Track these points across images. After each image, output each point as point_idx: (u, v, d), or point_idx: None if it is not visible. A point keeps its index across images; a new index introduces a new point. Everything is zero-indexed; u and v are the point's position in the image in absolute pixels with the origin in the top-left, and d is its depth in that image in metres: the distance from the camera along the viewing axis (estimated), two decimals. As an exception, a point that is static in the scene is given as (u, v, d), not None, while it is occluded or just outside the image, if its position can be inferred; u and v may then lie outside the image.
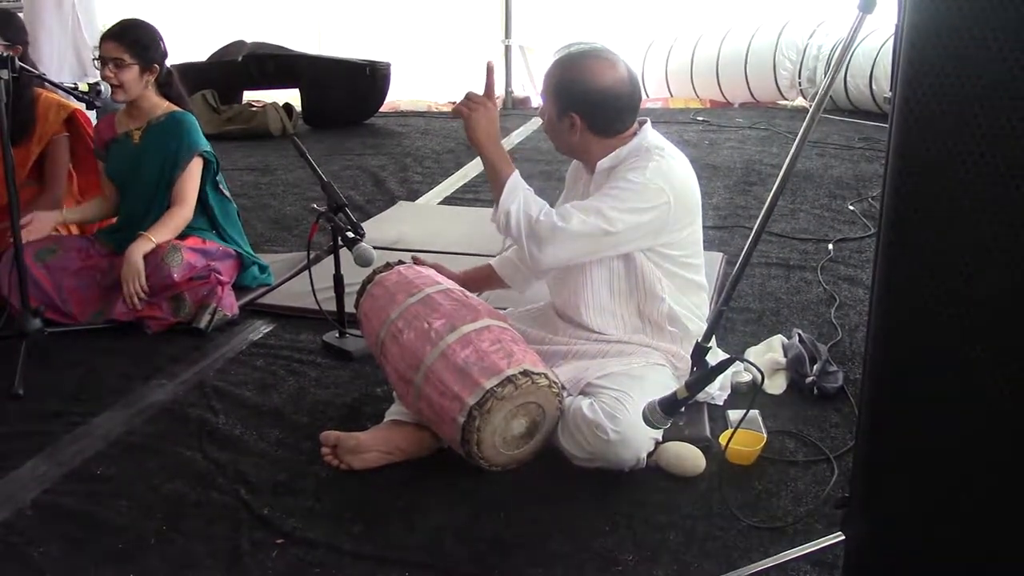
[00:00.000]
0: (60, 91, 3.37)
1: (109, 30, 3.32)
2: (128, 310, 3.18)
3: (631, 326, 2.49)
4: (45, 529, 2.14)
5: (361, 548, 2.04)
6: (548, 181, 5.19)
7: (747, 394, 2.64)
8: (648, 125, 2.47)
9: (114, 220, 3.60)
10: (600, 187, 2.43)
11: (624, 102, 2.41)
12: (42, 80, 3.34)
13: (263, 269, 3.64)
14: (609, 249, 2.38)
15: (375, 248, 2.89)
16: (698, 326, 2.46)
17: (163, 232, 3.27)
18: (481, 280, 2.79)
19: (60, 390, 2.82)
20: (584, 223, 2.31)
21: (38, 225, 3.34)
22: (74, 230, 3.72)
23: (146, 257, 3.18)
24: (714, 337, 1.93)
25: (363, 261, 2.81)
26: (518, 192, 2.37)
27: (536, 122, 7.06)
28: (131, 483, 2.32)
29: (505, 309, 2.74)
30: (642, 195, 2.32)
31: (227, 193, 3.58)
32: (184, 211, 3.35)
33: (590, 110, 2.39)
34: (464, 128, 2.41)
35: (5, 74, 2.84)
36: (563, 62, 2.43)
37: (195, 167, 3.38)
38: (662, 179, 2.33)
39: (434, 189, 5.30)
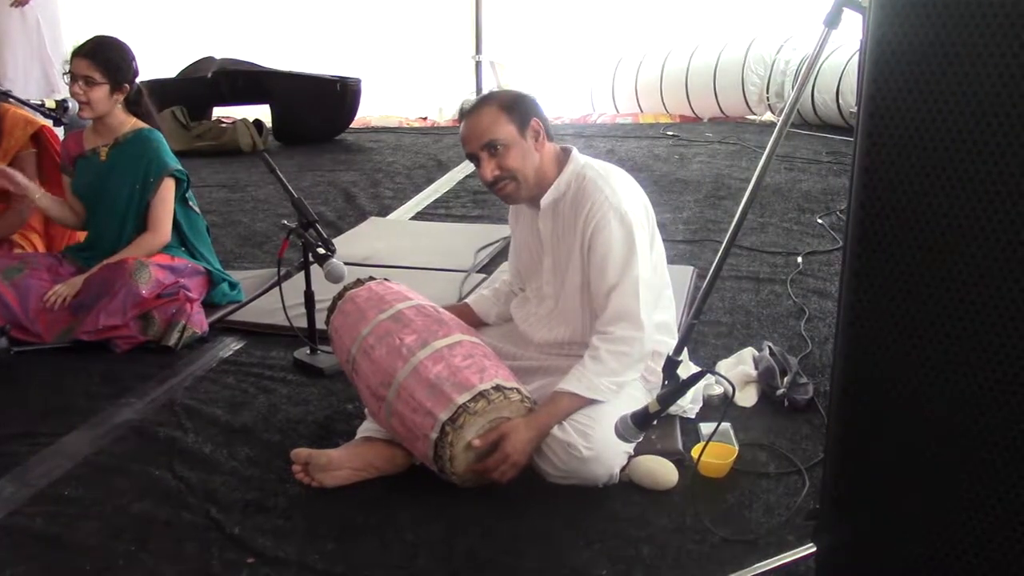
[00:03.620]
0: (27, 107, 3.34)
1: (81, 46, 3.28)
2: (57, 309, 3.18)
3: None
4: (13, 551, 2.11)
5: (333, 566, 2.03)
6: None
7: (719, 407, 2.65)
8: (575, 151, 2.46)
9: (82, 238, 3.57)
10: (548, 225, 2.44)
11: None
12: (7, 96, 3.30)
13: (233, 286, 3.61)
14: (661, 276, 2.48)
15: (346, 264, 2.88)
16: (668, 341, 2.47)
17: (132, 253, 3.26)
18: (460, 318, 2.75)
19: (27, 410, 2.78)
20: (636, 303, 2.30)
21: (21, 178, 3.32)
22: (40, 247, 3.69)
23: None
24: (685, 350, 1.94)
25: (334, 277, 2.80)
26: (595, 385, 2.28)
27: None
28: (99, 504, 2.29)
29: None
30: (621, 232, 2.31)
31: (196, 209, 3.56)
32: (158, 238, 3.35)
33: (540, 112, 2.40)
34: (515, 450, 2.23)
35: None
36: (494, 97, 2.38)
37: (167, 190, 3.36)
38: (614, 210, 2.32)
39: (405, 205, 5.29)
